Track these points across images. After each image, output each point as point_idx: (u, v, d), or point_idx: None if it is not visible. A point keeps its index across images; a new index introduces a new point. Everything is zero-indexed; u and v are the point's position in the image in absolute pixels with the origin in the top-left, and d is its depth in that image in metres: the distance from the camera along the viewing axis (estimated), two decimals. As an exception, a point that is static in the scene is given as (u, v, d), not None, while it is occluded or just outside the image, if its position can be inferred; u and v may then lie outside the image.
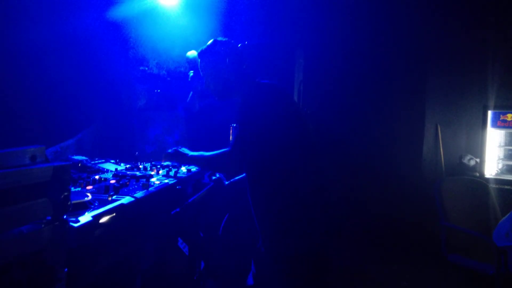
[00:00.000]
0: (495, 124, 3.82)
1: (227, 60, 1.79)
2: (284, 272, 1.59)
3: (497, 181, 3.60)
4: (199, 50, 1.88)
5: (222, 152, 1.69)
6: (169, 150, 1.89)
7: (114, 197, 1.34)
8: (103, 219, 1.11)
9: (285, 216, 1.56)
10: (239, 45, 2.52)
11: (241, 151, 1.61)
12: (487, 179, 3.56)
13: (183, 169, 2.19)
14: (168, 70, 3.38)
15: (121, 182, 1.61)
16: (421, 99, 4.21)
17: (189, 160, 1.84)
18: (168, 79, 3.39)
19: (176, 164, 2.17)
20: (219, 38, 1.87)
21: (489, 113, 3.84)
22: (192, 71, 2.84)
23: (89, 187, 1.50)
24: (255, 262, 1.86)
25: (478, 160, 3.87)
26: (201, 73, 1.89)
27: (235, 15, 3.70)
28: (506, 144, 3.89)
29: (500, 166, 3.91)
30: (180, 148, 1.89)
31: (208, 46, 1.86)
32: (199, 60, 1.88)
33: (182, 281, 1.97)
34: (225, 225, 2.30)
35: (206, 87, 1.88)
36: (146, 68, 3.27)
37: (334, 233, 1.67)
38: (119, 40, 3.05)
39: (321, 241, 1.60)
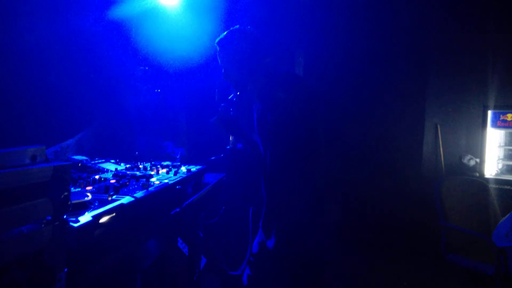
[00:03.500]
0: (495, 124, 3.82)
1: (249, 49, 1.71)
2: (285, 271, 1.60)
3: (497, 181, 3.60)
4: (218, 39, 1.78)
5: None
6: None
7: (114, 197, 1.34)
8: (103, 219, 1.11)
9: (303, 215, 1.57)
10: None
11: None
12: (487, 179, 3.56)
13: (183, 169, 2.19)
14: (169, 69, 3.38)
15: (121, 182, 1.61)
16: (421, 99, 4.21)
17: None
18: (169, 78, 3.39)
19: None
20: (238, 26, 1.78)
21: (489, 113, 3.84)
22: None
23: (89, 187, 1.50)
24: (250, 262, 1.86)
25: (478, 160, 3.87)
26: (219, 62, 1.80)
27: (236, 14, 3.70)
28: (506, 144, 3.89)
29: (500, 166, 3.91)
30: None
31: (228, 33, 1.76)
32: (218, 48, 1.78)
33: (182, 281, 1.97)
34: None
35: (225, 78, 1.80)
36: (147, 68, 3.27)
37: (332, 234, 1.71)
38: (119, 39, 3.05)
39: (319, 241, 1.62)
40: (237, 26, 1.79)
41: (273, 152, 1.59)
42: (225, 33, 1.78)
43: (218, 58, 1.81)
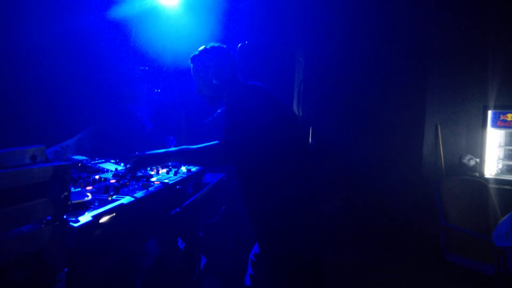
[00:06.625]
0: (495, 124, 3.82)
1: (219, 65, 1.81)
2: (277, 271, 1.60)
3: (497, 181, 3.60)
4: (192, 55, 1.89)
5: (213, 144, 1.65)
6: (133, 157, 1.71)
7: (114, 197, 1.34)
8: (103, 219, 1.11)
9: (275, 216, 1.57)
10: (239, 45, 2.52)
11: (231, 142, 1.60)
12: (487, 179, 3.56)
13: (183, 169, 2.19)
14: (168, 69, 3.38)
15: (121, 182, 1.61)
16: (421, 99, 4.21)
17: (164, 157, 1.70)
18: (169, 78, 3.39)
19: (144, 170, 1.95)
20: (211, 44, 1.88)
21: (489, 113, 3.84)
22: None
23: (89, 187, 1.50)
24: (253, 263, 1.87)
25: (478, 160, 3.87)
26: (193, 78, 1.90)
27: (236, 14, 3.70)
28: (506, 144, 3.89)
29: (500, 166, 3.91)
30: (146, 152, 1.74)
31: (200, 51, 1.87)
32: (191, 65, 1.89)
33: (182, 281, 1.97)
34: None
35: (199, 92, 1.90)
36: (147, 68, 3.27)
37: (330, 234, 1.70)
38: (119, 39, 3.05)
39: (313, 242, 1.61)
40: (211, 44, 1.87)
41: (241, 157, 1.64)
42: (198, 50, 1.88)
43: (192, 74, 1.90)
